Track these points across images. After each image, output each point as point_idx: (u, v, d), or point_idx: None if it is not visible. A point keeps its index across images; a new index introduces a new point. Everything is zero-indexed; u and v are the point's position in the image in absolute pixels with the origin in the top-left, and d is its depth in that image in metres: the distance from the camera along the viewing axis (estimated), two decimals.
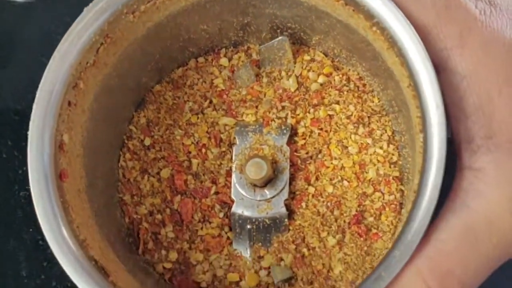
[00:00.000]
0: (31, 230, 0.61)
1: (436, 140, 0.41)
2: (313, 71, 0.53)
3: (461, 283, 0.40)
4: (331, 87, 0.53)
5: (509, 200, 0.41)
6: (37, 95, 0.43)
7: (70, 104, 0.44)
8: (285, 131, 0.52)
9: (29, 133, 0.43)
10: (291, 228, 0.51)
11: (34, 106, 0.43)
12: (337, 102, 0.53)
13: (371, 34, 0.46)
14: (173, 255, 0.51)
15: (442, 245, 0.41)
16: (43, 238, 0.59)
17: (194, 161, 0.53)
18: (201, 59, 0.55)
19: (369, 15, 0.44)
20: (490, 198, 0.41)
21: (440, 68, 0.42)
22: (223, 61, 0.55)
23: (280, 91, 0.53)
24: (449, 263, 0.40)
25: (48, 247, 0.59)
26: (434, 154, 0.41)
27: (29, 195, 0.60)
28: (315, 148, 0.52)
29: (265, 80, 0.54)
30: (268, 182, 0.51)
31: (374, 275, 0.40)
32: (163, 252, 0.51)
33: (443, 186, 0.41)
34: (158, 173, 0.53)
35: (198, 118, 0.53)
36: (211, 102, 0.54)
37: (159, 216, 0.52)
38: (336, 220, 0.50)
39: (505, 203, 0.41)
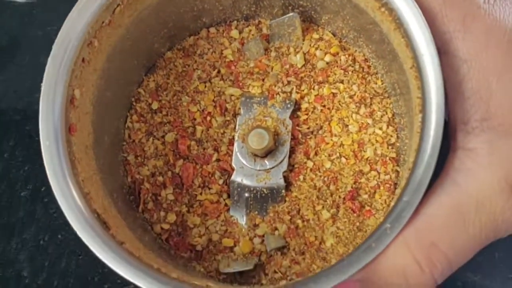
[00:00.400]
0: (32, 229, 0.62)
1: (434, 121, 0.42)
2: (320, 49, 0.55)
3: (447, 258, 0.42)
4: (337, 66, 0.54)
5: (499, 180, 0.42)
6: (53, 49, 0.44)
7: (84, 61, 0.46)
8: (289, 105, 0.53)
9: (43, 85, 0.44)
10: (287, 199, 0.52)
11: (49, 59, 0.44)
12: (342, 81, 0.54)
13: (379, 15, 0.47)
14: (172, 217, 0.52)
15: (431, 219, 0.42)
16: (44, 238, 0.61)
17: (199, 128, 0.54)
18: (212, 30, 0.56)
19: None
20: (480, 177, 0.42)
21: (442, 51, 0.44)
22: (234, 33, 0.56)
23: (287, 66, 0.55)
24: (436, 237, 0.42)
25: (48, 246, 0.61)
26: (431, 134, 0.42)
27: (31, 195, 0.62)
28: (316, 124, 0.54)
29: (273, 54, 0.55)
30: (269, 153, 0.52)
31: (364, 246, 0.42)
32: (162, 213, 0.52)
33: (437, 166, 0.42)
34: (162, 137, 0.54)
35: (205, 86, 0.55)
36: (219, 72, 0.55)
37: (160, 178, 0.53)
38: (331, 195, 0.52)
39: (495, 183, 0.42)
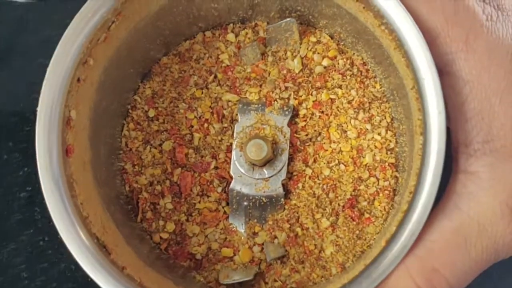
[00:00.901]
0: (31, 231, 0.62)
1: (435, 146, 0.42)
2: (318, 53, 0.54)
3: (448, 282, 0.42)
4: (335, 70, 0.53)
5: (500, 204, 0.42)
6: (47, 72, 0.44)
7: (79, 81, 0.45)
8: (287, 112, 0.53)
9: (38, 109, 0.43)
10: (286, 207, 0.52)
11: (44, 83, 0.43)
12: (340, 87, 0.53)
13: (379, 31, 0.46)
14: (171, 226, 0.52)
15: (432, 245, 0.42)
16: (43, 239, 0.61)
17: (196, 135, 0.53)
18: (208, 33, 0.55)
19: (378, 15, 0.45)
20: (482, 201, 0.42)
21: (444, 72, 0.43)
22: (230, 36, 0.55)
23: (285, 71, 0.54)
24: (437, 263, 0.42)
25: (47, 248, 0.61)
26: (432, 160, 0.42)
27: (30, 196, 0.62)
28: (315, 130, 0.53)
29: (270, 59, 0.54)
30: (267, 162, 0.52)
31: (366, 272, 0.42)
32: (161, 222, 0.52)
33: (438, 188, 0.42)
34: (160, 145, 0.54)
35: (202, 92, 0.54)
36: (215, 77, 0.54)
37: (158, 187, 0.53)
38: (330, 203, 0.52)
39: (497, 207, 0.42)
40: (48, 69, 0.44)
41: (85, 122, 0.47)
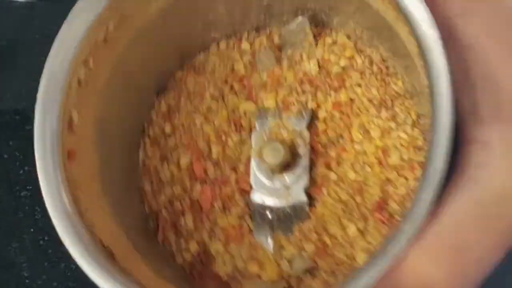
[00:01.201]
0: (32, 230, 0.61)
1: (445, 111, 0.38)
2: (335, 54, 0.52)
3: (474, 260, 0.38)
4: (353, 69, 0.51)
5: None
6: (43, 73, 0.43)
7: (80, 82, 0.44)
8: (305, 116, 0.51)
9: (36, 109, 0.42)
10: (312, 216, 0.49)
11: (41, 82, 0.42)
12: (359, 85, 0.51)
13: (381, 3, 0.44)
14: (193, 246, 0.50)
15: (451, 221, 0.38)
16: (44, 239, 0.60)
17: (214, 148, 0.52)
18: (222, 44, 0.54)
19: None
20: (497, 171, 0.39)
21: (446, 37, 0.41)
22: (245, 45, 0.54)
23: (301, 74, 0.52)
24: (459, 239, 0.38)
25: (47, 247, 0.60)
26: (442, 127, 0.38)
27: (30, 195, 0.61)
28: (336, 133, 0.51)
29: (286, 63, 0.52)
30: (287, 167, 0.49)
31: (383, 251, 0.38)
32: (183, 242, 0.50)
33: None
34: (177, 161, 0.52)
35: (218, 104, 0.53)
36: (232, 87, 0.53)
37: (178, 205, 0.51)
38: (358, 207, 0.49)
39: None
40: (45, 66, 0.43)
41: (91, 130, 0.46)
